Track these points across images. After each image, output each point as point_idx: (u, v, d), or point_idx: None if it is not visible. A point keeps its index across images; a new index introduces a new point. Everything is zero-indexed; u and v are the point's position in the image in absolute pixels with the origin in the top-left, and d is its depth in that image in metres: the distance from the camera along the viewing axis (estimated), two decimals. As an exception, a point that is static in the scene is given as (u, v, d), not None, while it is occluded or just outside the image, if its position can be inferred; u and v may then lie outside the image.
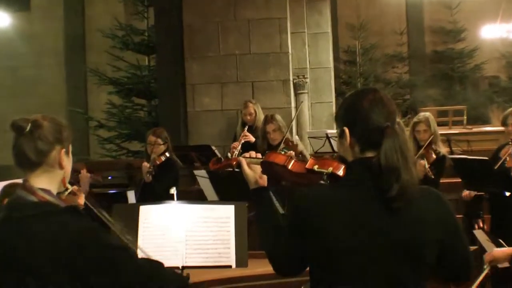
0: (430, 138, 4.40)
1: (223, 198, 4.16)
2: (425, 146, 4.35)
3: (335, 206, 1.54)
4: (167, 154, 4.65)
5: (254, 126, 5.82)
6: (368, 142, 1.58)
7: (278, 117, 4.89)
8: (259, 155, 1.95)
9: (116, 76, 10.14)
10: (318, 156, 4.95)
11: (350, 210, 1.53)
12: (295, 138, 6.33)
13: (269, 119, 4.87)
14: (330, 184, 1.68)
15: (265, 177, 1.89)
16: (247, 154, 1.96)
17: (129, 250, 1.61)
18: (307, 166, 1.76)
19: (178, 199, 2.76)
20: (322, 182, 1.69)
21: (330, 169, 1.68)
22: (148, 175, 4.47)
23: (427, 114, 4.65)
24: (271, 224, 1.74)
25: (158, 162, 4.58)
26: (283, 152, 2.06)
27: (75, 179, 4.04)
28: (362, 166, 1.58)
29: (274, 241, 1.68)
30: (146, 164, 4.53)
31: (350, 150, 1.62)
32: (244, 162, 1.90)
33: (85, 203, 2.33)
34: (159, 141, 4.63)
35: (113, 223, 1.72)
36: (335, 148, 6.00)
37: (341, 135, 1.64)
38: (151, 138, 4.67)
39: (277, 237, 1.67)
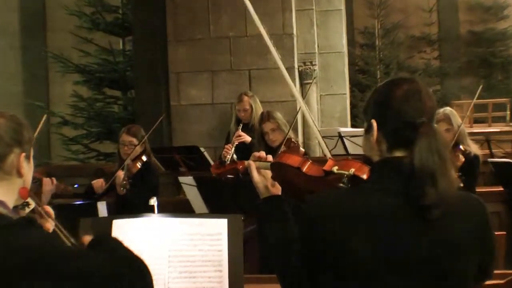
0: (455, 138, 4.32)
1: (213, 210, 4.18)
2: (452, 148, 4.27)
3: (355, 216, 1.56)
4: (144, 158, 4.66)
5: (250, 123, 5.83)
6: (398, 139, 1.62)
7: (278, 114, 4.84)
8: (270, 157, 1.98)
9: (83, 62, 10.15)
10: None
11: (374, 221, 1.55)
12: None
13: (265, 116, 4.83)
14: (351, 188, 1.70)
15: (278, 185, 1.92)
16: (256, 154, 1.99)
17: (92, 256, 1.62)
18: (324, 167, 1.78)
19: (159, 211, 2.77)
20: (341, 185, 1.70)
21: (352, 170, 1.70)
22: (122, 189, 4.48)
23: (447, 109, 4.52)
24: (285, 240, 1.76)
25: (134, 171, 4.58)
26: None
27: (35, 189, 4.04)
28: (390, 167, 1.60)
29: (288, 261, 1.70)
30: (121, 175, 4.52)
31: (376, 148, 1.65)
32: (253, 166, 1.93)
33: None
34: (135, 141, 4.64)
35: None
36: (350, 150, 6.02)
37: (367, 129, 1.67)
38: (125, 138, 4.69)
39: (291, 256, 1.70)
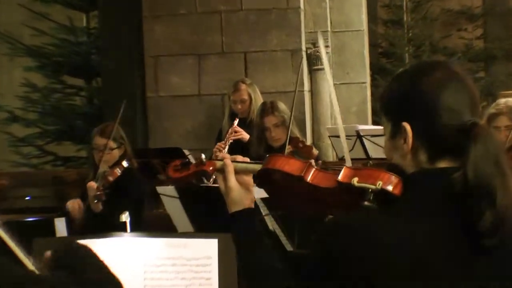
0: None
1: (201, 228, 4.19)
2: (509, 149, 4.31)
3: (393, 245, 1.52)
4: (125, 164, 4.63)
5: (248, 118, 5.83)
6: (442, 146, 1.58)
7: (282, 105, 4.87)
8: (247, 159, 1.91)
9: (37, 43, 10.14)
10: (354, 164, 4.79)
11: (418, 251, 1.52)
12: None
13: (268, 108, 4.86)
14: (384, 210, 1.62)
15: (253, 195, 1.86)
16: (239, 158, 1.91)
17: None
18: (340, 178, 1.68)
19: (132, 229, 2.79)
20: (366, 203, 1.63)
21: (380, 183, 1.62)
22: (96, 201, 4.41)
23: (510, 101, 4.60)
24: (264, 266, 1.77)
25: (111, 179, 4.53)
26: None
27: None
28: (434, 182, 1.57)
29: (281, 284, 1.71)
30: (92, 185, 4.45)
31: (411, 158, 1.62)
32: (231, 167, 1.85)
33: None
34: (111, 144, 4.59)
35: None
36: (371, 153, 6.02)
37: (394, 134, 1.63)
38: (99, 141, 4.64)
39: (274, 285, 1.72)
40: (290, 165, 1.77)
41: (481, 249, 1.52)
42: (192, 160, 6.14)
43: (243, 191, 1.85)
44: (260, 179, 1.84)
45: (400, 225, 1.54)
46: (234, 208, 1.84)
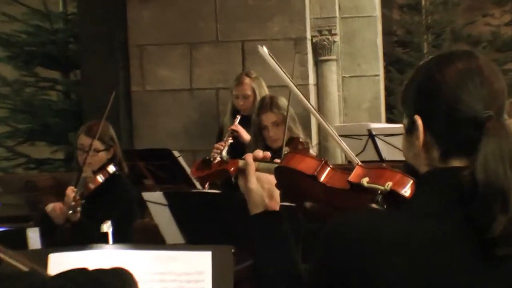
0: None
1: (192, 239, 4.20)
2: None
3: (396, 249, 1.56)
4: (112, 169, 4.60)
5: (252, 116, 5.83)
6: (454, 142, 1.62)
7: (283, 101, 4.85)
8: (268, 153, 2.01)
9: (7, 30, 10.15)
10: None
11: (423, 257, 1.55)
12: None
13: (266, 104, 4.84)
14: (387, 210, 1.70)
15: (277, 195, 1.95)
16: (260, 154, 2.01)
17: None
18: (350, 178, 1.78)
19: (115, 241, 2.79)
20: (374, 206, 1.70)
21: (389, 184, 1.71)
22: (70, 211, 4.38)
23: None
24: (287, 274, 1.81)
25: (92, 187, 4.51)
26: None
27: None
28: (443, 182, 1.61)
29: None
30: (70, 192, 4.42)
31: (423, 155, 1.66)
32: (252, 167, 1.96)
33: None
34: (97, 145, 4.57)
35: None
36: (384, 155, 6.03)
37: (409, 128, 1.68)
38: (84, 140, 4.61)
39: None
40: (304, 163, 1.88)
41: (492, 258, 1.54)
42: (182, 162, 6.11)
43: (265, 193, 1.94)
44: (277, 177, 1.93)
45: (405, 228, 1.58)
46: (254, 210, 1.94)
